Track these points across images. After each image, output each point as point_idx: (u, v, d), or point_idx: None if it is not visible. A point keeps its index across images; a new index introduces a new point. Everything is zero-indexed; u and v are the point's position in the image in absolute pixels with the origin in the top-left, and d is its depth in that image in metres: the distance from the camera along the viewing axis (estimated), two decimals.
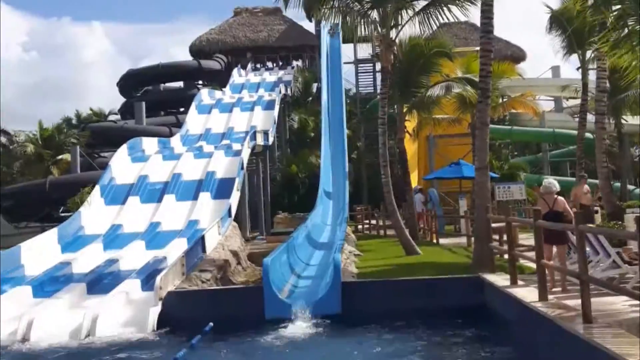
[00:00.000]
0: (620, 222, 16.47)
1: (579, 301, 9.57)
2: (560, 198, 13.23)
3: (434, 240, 25.37)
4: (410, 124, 31.40)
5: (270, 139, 33.50)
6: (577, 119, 29.73)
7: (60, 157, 38.95)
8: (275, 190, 36.94)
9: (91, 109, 59.44)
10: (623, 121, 32.09)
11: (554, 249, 12.83)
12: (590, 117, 27.68)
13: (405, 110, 28.56)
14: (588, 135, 30.24)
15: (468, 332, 12.91)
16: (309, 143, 42.59)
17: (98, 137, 41.89)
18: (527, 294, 12.04)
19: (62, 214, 28.11)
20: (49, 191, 33.55)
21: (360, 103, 48.96)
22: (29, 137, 41.60)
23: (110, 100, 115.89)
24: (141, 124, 41.71)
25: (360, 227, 33.88)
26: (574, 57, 27.44)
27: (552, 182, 13.72)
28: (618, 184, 32.13)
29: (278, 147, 40.38)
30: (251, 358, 12.25)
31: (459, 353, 11.62)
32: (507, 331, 12.52)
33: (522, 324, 11.71)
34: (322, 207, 28.12)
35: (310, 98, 47.34)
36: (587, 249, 11.92)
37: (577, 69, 27.69)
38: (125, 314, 14.92)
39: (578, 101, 30.57)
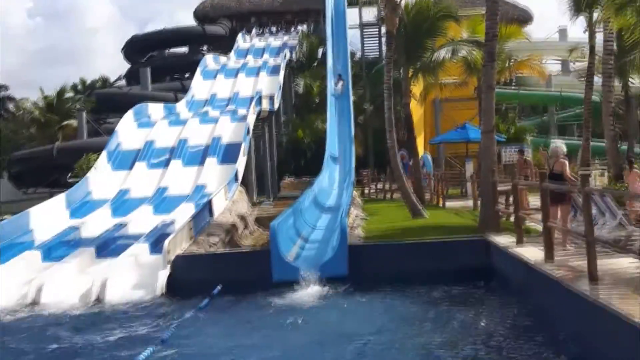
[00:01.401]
0: (627, 184, 16.47)
1: (585, 262, 9.62)
2: (561, 161, 13.23)
3: (440, 204, 25.42)
4: (417, 88, 31.26)
5: (276, 104, 33.45)
6: (584, 82, 29.49)
7: (65, 122, 38.99)
8: (282, 155, 36.97)
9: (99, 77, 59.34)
10: (630, 83, 31.90)
11: (559, 212, 12.86)
12: (598, 80, 27.52)
13: (410, 74, 28.42)
14: (595, 97, 30.09)
15: (474, 293, 13.04)
16: (315, 108, 42.42)
17: (104, 103, 41.88)
18: (533, 254, 12.10)
19: (70, 180, 28.19)
20: (57, 157, 33.66)
21: (365, 67, 48.71)
22: (34, 103, 41.67)
23: (116, 66, 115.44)
24: (146, 89, 41.65)
25: (366, 191, 33.92)
26: (582, 19, 27.20)
27: (559, 145, 13.69)
28: (625, 147, 32.04)
29: (284, 112, 40.27)
30: (259, 320, 12.36)
31: (464, 313, 11.71)
32: (513, 292, 12.61)
33: (527, 284, 11.79)
34: (329, 171, 28.12)
35: (316, 63, 47.02)
36: (593, 210, 11.95)
37: (584, 31, 27.48)
38: (134, 277, 15.07)
39: (585, 63, 30.37)
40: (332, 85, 35.42)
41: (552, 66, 49.83)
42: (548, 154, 13.73)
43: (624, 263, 10.59)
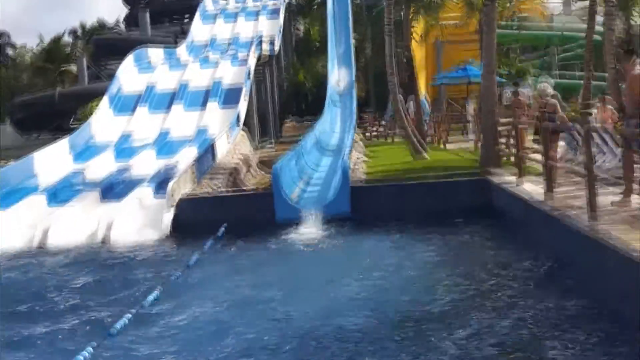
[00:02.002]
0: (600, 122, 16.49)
1: (585, 199, 9.73)
2: (553, 100, 13.51)
3: (442, 145, 25.50)
4: (417, 29, 31.07)
5: (277, 47, 33.28)
6: (585, 21, 29.27)
7: (64, 67, 38.87)
8: (283, 98, 36.94)
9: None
10: (632, 22, 31.67)
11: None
12: (599, 19, 27.31)
13: (411, 15, 28.23)
14: (596, 37, 29.88)
15: (474, 230, 13.20)
16: (315, 51, 42.25)
17: (103, 48, 41.65)
18: (533, 192, 12.23)
19: (73, 125, 28.28)
20: (59, 102, 33.65)
21: (366, 10, 48.25)
22: (32, 50, 41.54)
23: (115, 11, 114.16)
24: (146, 34, 41.38)
25: (368, 133, 33.98)
26: None
27: (546, 85, 14.18)
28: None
29: (284, 55, 40.09)
30: (263, 259, 12.55)
31: (464, 249, 11.92)
32: (512, 229, 12.78)
33: (528, 221, 11.94)
34: (330, 113, 28.12)
35: (315, 5, 46.63)
36: (593, 148, 12.03)
37: None
38: (139, 219, 15.26)
39: (586, 3, 30.09)
40: (332, 30, 35.10)
41: (554, 5, 49.34)
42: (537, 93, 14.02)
43: None
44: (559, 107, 13.31)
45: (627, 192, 9.97)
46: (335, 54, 33.40)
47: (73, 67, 38.23)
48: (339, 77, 30.34)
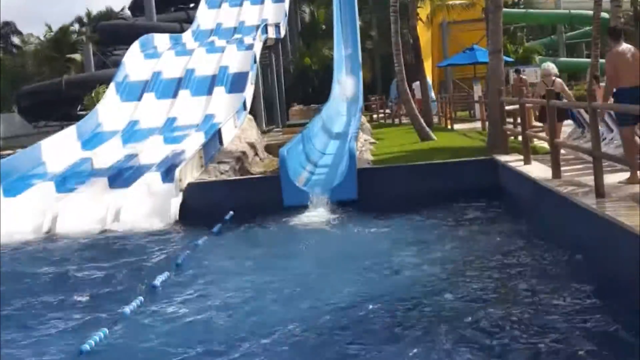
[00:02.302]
0: None
1: (592, 178, 9.71)
2: (558, 80, 13.52)
3: (449, 127, 25.47)
4: (424, 11, 30.98)
5: (282, 32, 33.24)
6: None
7: (70, 55, 38.90)
8: (290, 83, 36.89)
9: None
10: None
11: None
12: None
13: None
14: (604, 15, 29.70)
15: (482, 211, 13.20)
16: (321, 35, 42.17)
17: (109, 35, 41.64)
18: (541, 172, 12.21)
19: (80, 112, 28.32)
20: (66, 90, 33.71)
21: None
22: (39, 38, 41.60)
23: None
24: (151, 20, 41.35)
25: (375, 116, 33.96)
26: None
27: (550, 64, 14.31)
28: None
29: (290, 40, 40.01)
30: (271, 243, 12.58)
31: (473, 230, 11.91)
32: (520, 209, 12.77)
33: (535, 201, 11.92)
34: (337, 98, 28.10)
35: None
36: (601, 127, 11.99)
37: None
38: (147, 205, 15.29)
39: None
40: (338, 13, 34.98)
41: None
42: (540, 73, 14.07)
43: None
44: (564, 85, 13.31)
45: (632, 170, 10.03)
46: (341, 38, 33.33)
47: (79, 55, 38.22)
48: (345, 79, 30.22)
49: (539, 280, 8.65)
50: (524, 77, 21.46)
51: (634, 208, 8.61)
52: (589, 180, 10.10)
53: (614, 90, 10.42)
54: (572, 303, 7.70)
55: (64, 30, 42.15)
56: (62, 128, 21.12)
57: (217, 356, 7.07)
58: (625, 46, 10.53)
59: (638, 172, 9.93)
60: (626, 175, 10.46)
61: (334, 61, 30.75)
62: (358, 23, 35.92)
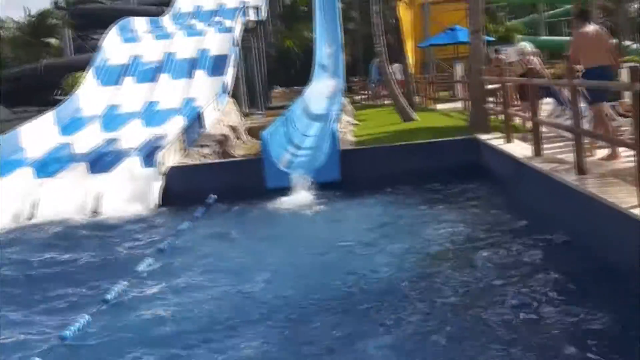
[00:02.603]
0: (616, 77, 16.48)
1: (573, 155, 9.72)
2: (532, 59, 13.61)
3: (431, 107, 25.45)
4: None
5: (263, 14, 33.05)
6: None
7: (47, 39, 38.46)
8: (271, 65, 36.71)
9: None
10: None
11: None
12: None
13: None
14: None
15: (465, 190, 13.24)
16: (302, 17, 41.96)
17: (87, 19, 41.17)
18: (522, 150, 12.23)
19: (58, 97, 28.03)
20: (44, 75, 33.39)
21: None
22: (18, 23, 41.11)
23: None
24: (130, 4, 40.97)
25: (357, 98, 33.90)
26: None
27: (525, 44, 14.52)
28: (615, 40, 31.87)
29: (271, 22, 39.78)
30: (255, 226, 12.58)
31: (455, 209, 11.93)
32: (502, 187, 12.83)
33: (517, 179, 11.95)
34: (319, 80, 28.01)
35: None
36: (582, 104, 11.99)
37: None
38: (128, 190, 15.16)
39: None
40: None
41: None
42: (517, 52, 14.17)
43: None
44: (537, 63, 13.44)
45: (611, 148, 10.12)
46: (322, 20, 33.19)
47: (56, 40, 37.84)
48: (327, 50, 30.09)
49: (520, 256, 8.70)
50: (501, 56, 21.44)
51: (616, 184, 8.64)
52: (571, 157, 10.11)
53: (583, 70, 10.70)
54: (554, 279, 7.72)
55: (43, 14, 41.63)
56: (41, 113, 20.85)
57: (200, 340, 7.05)
58: (590, 27, 10.89)
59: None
60: (607, 152, 10.51)
61: (315, 43, 30.63)
62: (339, 4, 35.77)
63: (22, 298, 9.01)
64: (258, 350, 6.68)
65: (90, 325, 7.61)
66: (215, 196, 14.35)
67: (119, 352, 6.89)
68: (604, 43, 10.84)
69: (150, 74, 23.69)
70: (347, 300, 7.84)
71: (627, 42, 32.67)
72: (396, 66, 28.52)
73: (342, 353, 6.48)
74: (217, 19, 30.61)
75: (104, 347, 7.13)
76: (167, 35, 26.82)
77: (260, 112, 28.32)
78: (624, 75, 16.83)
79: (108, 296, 8.48)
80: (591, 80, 10.45)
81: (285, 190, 14.53)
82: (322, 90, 26.55)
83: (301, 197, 14.21)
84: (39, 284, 9.64)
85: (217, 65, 24.08)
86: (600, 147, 11.04)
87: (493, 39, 32.11)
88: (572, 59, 10.88)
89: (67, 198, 14.85)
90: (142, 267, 9.80)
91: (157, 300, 8.49)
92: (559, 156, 11.27)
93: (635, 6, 36.90)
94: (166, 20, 31.00)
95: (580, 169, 9.46)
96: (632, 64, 19.06)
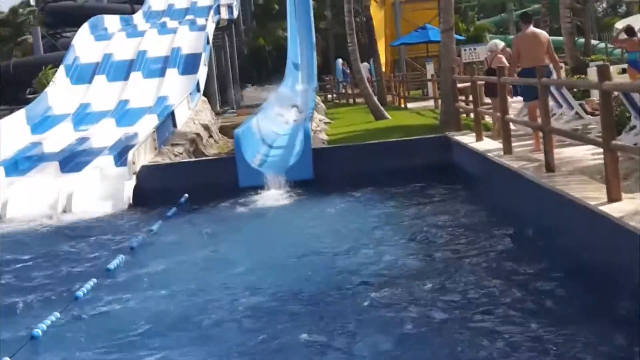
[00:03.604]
0: (583, 76, 16.72)
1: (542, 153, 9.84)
2: (498, 56, 13.96)
3: (402, 105, 25.58)
4: None
5: (235, 12, 33.01)
6: None
7: (20, 38, 38.14)
8: (244, 64, 36.70)
9: None
10: None
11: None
12: None
13: None
14: None
15: (436, 188, 13.35)
16: (275, 15, 42.00)
17: (58, 17, 40.89)
18: (493, 148, 12.32)
19: (29, 96, 27.83)
20: (14, 73, 33.11)
21: None
22: None
23: None
24: (101, 2, 40.74)
25: (329, 96, 33.98)
26: None
27: (495, 42, 15.09)
28: (582, 40, 32.23)
29: (244, 21, 39.76)
30: (227, 225, 12.53)
31: (426, 207, 12.03)
32: (473, 184, 12.95)
33: (487, 177, 12.07)
34: (291, 78, 28.04)
35: None
36: (551, 102, 12.14)
37: None
38: (100, 189, 15.05)
39: None
40: None
41: None
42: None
43: (580, 152, 10.87)
44: (504, 60, 13.74)
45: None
46: (294, 18, 33.18)
47: (29, 37, 37.52)
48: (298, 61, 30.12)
49: (489, 253, 8.82)
50: (456, 57, 21.68)
51: (584, 180, 8.75)
52: (540, 155, 10.22)
53: (520, 70, 11.67)
54: (524, 272, 7.87)
55: (14, 12, 41.27)
56: (11, 112, 20.69)
57: (168, 339, 7.06)
58: (530, 30, 11.71)
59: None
60: (576, 149, 10.69)
61: (288, 42, 30.64)
62: (311, 3, 35.82)
63: None
64: (222, 347, 6.72)
65: (60, 323, 7.58)
66: (187, 195, 14.32)
67: (88, 349, 6.89)
68: (540, 44, 11.58)
69: (122, 73, 23.54)
70: (317, 298, 7.90)
71: (594, 42, 33.03)
72: (364, 65, 28.65)
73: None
74: (189, 17, 30.50)
75: (73, 344, 7.11)
76: (139, 34, 26.69)
77: (232, 110, 28.29)
78: (592, 74, 17.11)
79: (78, 294, 8.46)
80: (554, 79, 10.72)
81: (258, 189, 14.52)
82: (295, 88, 26.61)
83: (273, 196, 14.21)
84: (7, 282, 9.55)
85: (189, 64, 24.02)
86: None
87: (463, 38, 32.35)
88: (513, 60, 11.97)
89: (38, 197, 14.73)
90: (112, 265, 9.77)
91: (127, 298, 8.48)
92: (529, 154, 11.39)
93: (603, 6, 37.31)
94: (138, 18, 30.85)
95: (550, 166, 9.56)
96: (599, 63, 19.42)
